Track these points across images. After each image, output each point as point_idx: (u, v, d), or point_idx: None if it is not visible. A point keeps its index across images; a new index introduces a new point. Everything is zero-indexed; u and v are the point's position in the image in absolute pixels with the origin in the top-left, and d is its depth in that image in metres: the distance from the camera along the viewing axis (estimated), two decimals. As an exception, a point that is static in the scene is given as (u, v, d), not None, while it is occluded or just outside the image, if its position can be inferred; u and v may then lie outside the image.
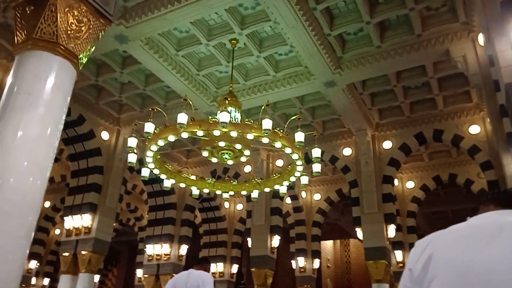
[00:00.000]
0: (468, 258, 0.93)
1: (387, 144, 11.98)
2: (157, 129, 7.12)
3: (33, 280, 16.72)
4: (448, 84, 10.31)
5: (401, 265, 13.14)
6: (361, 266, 18.26)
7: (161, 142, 7.15)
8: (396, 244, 12.95)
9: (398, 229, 12.56)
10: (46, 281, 17.91)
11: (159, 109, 7.36)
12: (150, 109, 7.36)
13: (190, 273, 4.36)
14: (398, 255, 13.27)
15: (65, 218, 11.49)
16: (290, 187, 12.39)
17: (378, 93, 11.09)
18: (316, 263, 14.80)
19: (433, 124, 11.47)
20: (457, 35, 8.26)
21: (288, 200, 15.09)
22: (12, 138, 3.95)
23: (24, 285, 15.29)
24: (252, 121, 6.99)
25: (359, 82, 10.31)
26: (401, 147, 11.80)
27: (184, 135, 7.01)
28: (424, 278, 0.98)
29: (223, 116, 6.40)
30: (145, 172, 8.32)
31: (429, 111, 11.35)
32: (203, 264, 4.56)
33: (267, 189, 9.27)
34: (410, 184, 14.15)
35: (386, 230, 11.25)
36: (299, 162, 7.79)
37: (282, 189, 9.10)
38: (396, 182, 12.96)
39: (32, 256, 15.78)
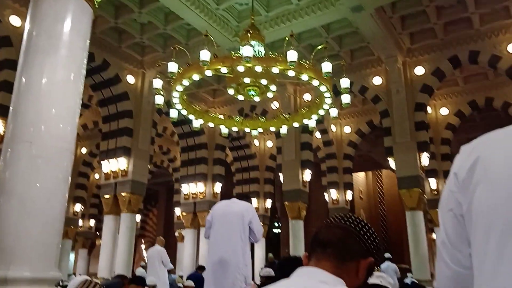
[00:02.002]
0: None
1: (419, 70, 11.46)
2: (181, 68, 7.02)
3: (80, 222, 17.82)
4: (485, 0, 9.55)
5: (435, 192, 13.09)
6: (394, 196, 18.36)
7: (186, 82, 7.08)
8: (430, 172, 12.81)
9: (432, 157, 12.37)
10: (92, 222, 19.07)
11: (181, 47, 7.21)
12: (172, 48, 7.21)
13: (233, 201, 4.36)
14: (432, 183, 13.19)
15: (102, 162, 11.93)
16: (319, 121, 12.23)
17: (409, 15, 10.44)
18: (349, 195, 14.98)
19: (468, 45, 10.81)
20: None
21: (317, 135, 15.02)
22: (38, 84, 3.96)
23: (72, 227, 16.36)
24: (276, 54, 6.76)
25: (388, 5, 9.69)
26: (434, 72, 11.28)
27: (208, 73, 6.89)
28: (470, 182, 0.89)
29: (246, 51, 6.20)
30: (173, 114, 8.36)
31: (464, 31, 10.66)
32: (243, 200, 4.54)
33: (295, 124, 9.19)
34: (444, 111, 13.70)
35: (419, 159, 11.09)
36: (327, 94, 7.59)
37: (311, 123, 9.00)
38: (429, 109, 12.56)
39: (76, 200, 16.72)
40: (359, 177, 20.17)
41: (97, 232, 18.70)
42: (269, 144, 16.91)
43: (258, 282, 7.97)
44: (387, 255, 11.42)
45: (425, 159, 11.21)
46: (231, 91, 7.59)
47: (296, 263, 0.95)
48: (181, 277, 11.77)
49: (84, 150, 17.63)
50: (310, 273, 0.99)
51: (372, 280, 2.35)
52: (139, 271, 10.68)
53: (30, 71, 4.00)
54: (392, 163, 11.47)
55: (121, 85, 11.72)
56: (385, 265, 10.96)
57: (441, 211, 0.99)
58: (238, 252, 4.06)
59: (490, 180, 0.86)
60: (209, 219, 4.36)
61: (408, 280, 9.33)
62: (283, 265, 2.32)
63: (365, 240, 1.04)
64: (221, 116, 9.21)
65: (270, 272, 5.94)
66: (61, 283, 7.82)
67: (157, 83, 7.47)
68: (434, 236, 15.33)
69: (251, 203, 4.63)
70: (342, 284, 0.96)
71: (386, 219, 20.12)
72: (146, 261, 9.31)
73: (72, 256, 19.12)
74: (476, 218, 0.87)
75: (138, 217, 17.93)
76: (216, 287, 3.95)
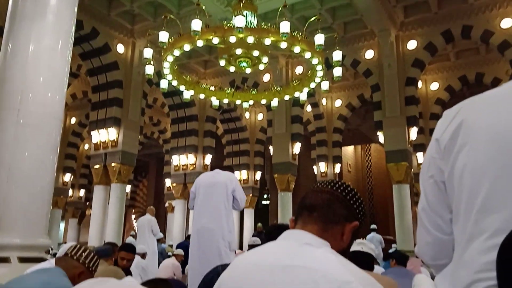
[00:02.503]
0: (505, 121, 0.83)
1: (412, 44, 11.42)
2: (172, 38, 6.92)
3: (70, 192, 17.85)
4: (481, -26, 9.47)
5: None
6: (382, 170, 18.63)
7: (176, 52, 6.99)
8: (418, 146, 12.97)
9: (420, 132, 12.50)
10: (82, 192, 19.10)
11: (172, 16, 7.08)
12: (163, 17, 7.07)
13: (216, 172, 4.42)
14: (420, 157, 13.38)
15: (91, 132, 11.84)
16: (310, 94, 12.22)
17: (403, -12, 10.31)
18: (337, 168, 15.15)
19: (462, 20, 10.76)
20: None
21: (308, 108, 15.02)
22: (25, 51, 3.88)
23: (62, 197, 16.40)
24: (269, 25, 6.68)
25: (383, -23, 9.55)
26: (427, 47, 11.25)
27: (200, 43, 6.81)
28: (452, 147, 0.89)
29: (238, 21, 6.12)
30: (163, 84, 8.29)
31: (458, 6, 10.60)
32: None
33: (287, 97, 9.19)
34: (434, 86, 13.75)
35: (408, 133, 11.21)
36: (319, 67, 7.57)
37: (302, 96, 9.00)
38: (419, 84, 12.59)
39: (66, 170, 16.70)
40: (348, 151, 20.36)
41: (87, 202, 18.76)
42: (260, 117, 16.90)
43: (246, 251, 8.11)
44: (372, 226, 11.69)
45: (414, 133, 11.32)
46: (222, 62, 7.52)
47: (283, 230, 0.98)
48: (171, 246, 11.95)
49: (73, 120, 17.47)
50: (296, 235, 1.01)
51: (353, 247, 2.41)
52: (129, 240, 10.80)
53: (17, 38, 3.91)
54: (381, 137, 11.58)
55: (110, 54, 11.51)
56: (371, 235, 11.24)
57: (422, 178, 1.00)
58: (222, 219, 4.17)
59: (475, 142, 0.86)
60: (193, 191, 4.46)
61: (391, 250, 9.61)
62: (270, 232, 2.38)
63: (350, 204, 1.06)
64: (212, 88, 9.16)
65: (256, 241, 6.06)
66: (51, 251, 7.90)
67: (148, 52, 7.37)
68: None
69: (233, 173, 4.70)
70: (327, 246, 0.98)
71: (373, 192, 20.47)
72: (136, 231, 9.40)
73: (62, 226, 19.24)
74: (459, 182, 0.87)
75: (128, 188, 18.01)
76: (200, 254, 4.05)
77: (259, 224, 12.66)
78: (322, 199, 1.05)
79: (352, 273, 0.88)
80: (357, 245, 2.56)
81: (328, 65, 9.13)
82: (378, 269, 4.12)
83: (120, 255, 4.13)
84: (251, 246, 6.00)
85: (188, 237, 10.29)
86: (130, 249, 4.30)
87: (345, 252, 1.02)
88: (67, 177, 16.91)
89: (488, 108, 0.88)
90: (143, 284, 1.49)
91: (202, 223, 4.24)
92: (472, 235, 0.83)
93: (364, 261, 2.48)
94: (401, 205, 10.89)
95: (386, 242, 11.60)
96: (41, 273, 2.06)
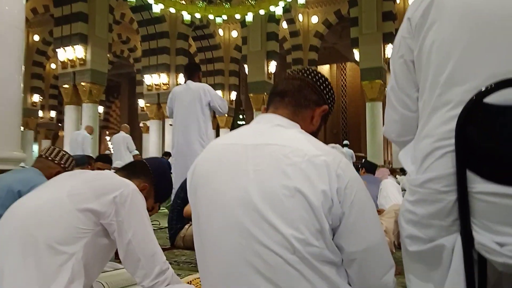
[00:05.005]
0: None
1: (392, -44, 10.95)
2: None
3: (40, 113, 17.42)
4: None
5: (395, 84, 13.44)
6: (356, 89, 18.79)
7: (143, -42, 6.49)
8: (392, 64, 12.99)
9: (395, 49, 12.45)
10: (52, 113, 18.67)
11: None
12: None
13: (188, 85, 4.27)
14: (393, 75, 13.47)
15: (57, 50, 11.29)
16: (287, 10, 11.82)
17: None
18: (313, 87, 15.16)
19: None
20: None
21: (284, 25, 14.60)
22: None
23: (32, 118, 16.02)
24: None
25: None
26: (407, -41, 10.83)
27: None
28: (423, 25, 0.90)
29: None
30: (131, -4, 7.80)
31: None
32: (195, 72, 4.33)
33: (262, 11, 8.88)
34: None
35: (384, 50, 11.16)
36: (295, -23, 7.23)
37: (278, 10, 8.71)
38: (397, -1, 12.31)
39: (34, 90, 16.14)
40: (324, 70, 20.26)
41: (59, 124, 18.44)
42: (234, 34, 16.36)
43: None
44: (345, 142, 12.06)
45: (389, 50, 11.28)
46: (193, -29, 7.06)
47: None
48: (148, 165, 12.07)
49: (36, 38, 16.50)
50: (268, 118, 1.04)
51: None
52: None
53: None
54: (357, 54, 11.51)
55: (70, -38, 10.60)
56: (343, 150, 11.62)
57: (392, 59, 1.02)
58: (200, 133, 4.14)
59: (446, 19, 0.86)
60: (169, 105, 4.38)
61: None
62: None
63: (320, 90, 1.08)
64: (183, 2, 8.70)
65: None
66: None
67: (111, -41, 6.80)
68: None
69: (201, 73, 4.50)
70: (297, 127, 1.01)
71: (347, 110, 20.82)
72: (112, 150, 9.41)
73: (35, 148, 19.04)
74: (427, 58, 0.90)
75: (100, 109, 17.69)
76: (182, 167, 4.07)
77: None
78: (293, 85, 1.07)
79: (321, 148, 0.93)
80: (330, 149, 2.62)
81: (305, -24, 8.72)
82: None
83: (96, 166, 4.15)
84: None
85: (164, 154, 10.40)
86: (107, 160, 4.31)
87: (314, 134, 1.06)
88: (36, 97, 16.38)
89: None
90: (120, 168, 1.51)
91: (180, 140, 4.23)
92: (435, 108, 0.86)
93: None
94: (373, 122, 11.17)
95: (357, 158, 12.05)
96: (18, 172, 2.06)
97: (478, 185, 0.78)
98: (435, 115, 0.86)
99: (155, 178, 1.48)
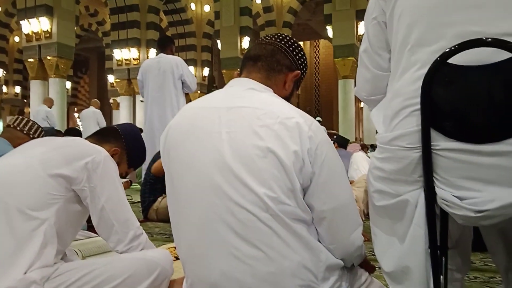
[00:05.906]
0: None
1: None
2: None
3: (4, 89, 16.75)
4: None
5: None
6: (329, 66, 18.88)
7: None
8: (365, 41, 13.10)
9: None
10: (17, 89, 17.98)
11: None
12: None
13: (160, 57, 4.18)
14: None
15: (21, 22, 10.82)
16: (260, -16, 11.63)
17: None
18: (286, 64, 15.12)
19: None
20: None
21: (257, 0, 14.39)
22: None
23: (-4, 93, 15.43)
24: None
25: None
26: None
27: None
28: None
29: None
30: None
31: None
32: (168, 46, 4.21)
33: (235, -15, 8.69)
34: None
35: (357, 27, 11.22)
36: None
37: (251, -17, 8.54)
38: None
39: (-4, 65, 15.48)
40: (297, 47, 20.22)
41: (25, 100, 17.80)
42: (207, 8, 16.04)
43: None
44: (318, 118, 12.17)
45: (362, 28, 11.34)
46: None
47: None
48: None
49: (-2, 9, 15.74)
50: (241, 82, 1.05)
51: None
52: (75, 136, 10.60)
53: None
54: (330, 31, 11.52)
55: None
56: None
57: (366, 21, 1.05)
58: (172, 108, 4.09)
59: None
60: (140, 79, 4.28)
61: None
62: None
63: (293, 55, 1.09)
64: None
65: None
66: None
67: None
68: (362, 104, 16.39)
69: (174, 46, 4.41)
70: (270, 91, 1.03)
71: (319, 88, 20.96)
72: (81, 126, 9.17)
73: (0, 124, 18.37)
74: (398, 20, 0.93)
75: (68, 85, 17.14)
76: (154, 141, 4.03)
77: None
78: (266, 50, 1.08)
79: (293, 111, 0.94)
80: (302, 111, 2.65)
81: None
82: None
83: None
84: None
85: (136, 131, 10.24)
86: (76, 134, 4.22)
87: (287, 99, 1.07)
88: (-1, 72, 15.74)
89: None
90: (91, 134, 1.49)
91: (152, 114, 4.17)
92: (405, 68, 0.90)
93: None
94: (345, 99, 11.31)
95: (329, 135, 12.20)
96: (-16, 143, 1.99)
97: (441, 142, 0.81)
98: (404, 75, 0.89)
99: (127, 142, 1.47)
